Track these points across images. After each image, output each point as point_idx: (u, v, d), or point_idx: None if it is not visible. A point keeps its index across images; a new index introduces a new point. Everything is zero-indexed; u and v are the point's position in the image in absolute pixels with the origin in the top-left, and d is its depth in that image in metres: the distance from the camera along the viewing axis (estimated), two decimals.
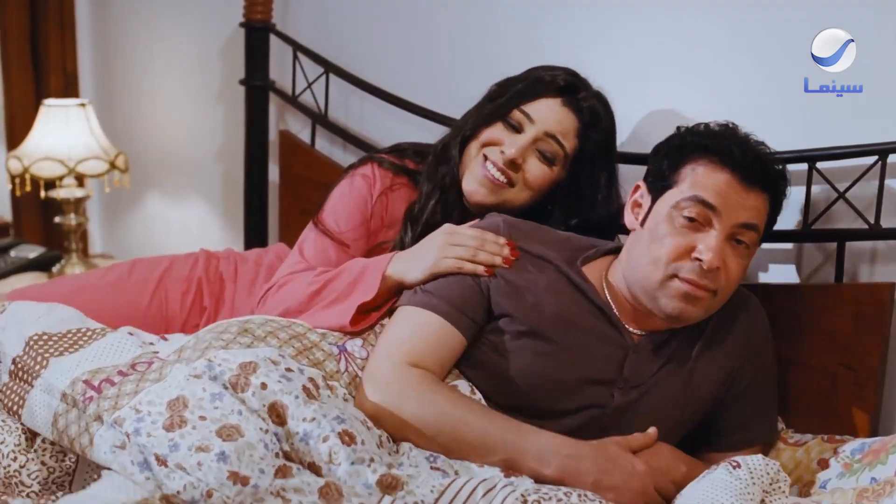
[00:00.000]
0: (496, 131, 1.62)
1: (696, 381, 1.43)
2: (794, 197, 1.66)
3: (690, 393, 1.43)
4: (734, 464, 1.20)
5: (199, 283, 1.89)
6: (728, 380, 1.45)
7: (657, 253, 1.36)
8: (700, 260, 1.33)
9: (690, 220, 1.35)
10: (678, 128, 1.46)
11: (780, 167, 1.41)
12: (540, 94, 1.61)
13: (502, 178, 1.61)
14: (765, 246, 1.70)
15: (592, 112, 1.62)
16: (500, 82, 1.69)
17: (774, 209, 1.42)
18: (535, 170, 1.61)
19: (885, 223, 1.55)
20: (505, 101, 1.63)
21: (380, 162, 1.73)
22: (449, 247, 1.46)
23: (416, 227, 1.65)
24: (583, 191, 1.65)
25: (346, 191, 1.71)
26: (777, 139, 1.62)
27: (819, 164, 1.59)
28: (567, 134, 1.61)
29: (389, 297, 1.51)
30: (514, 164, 1.60)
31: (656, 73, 1.84)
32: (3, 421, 1.32)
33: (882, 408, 1.56)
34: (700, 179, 1.36)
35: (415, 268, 1.47)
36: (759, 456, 1.23)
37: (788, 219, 1.67)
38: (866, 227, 1.56)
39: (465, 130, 1.67)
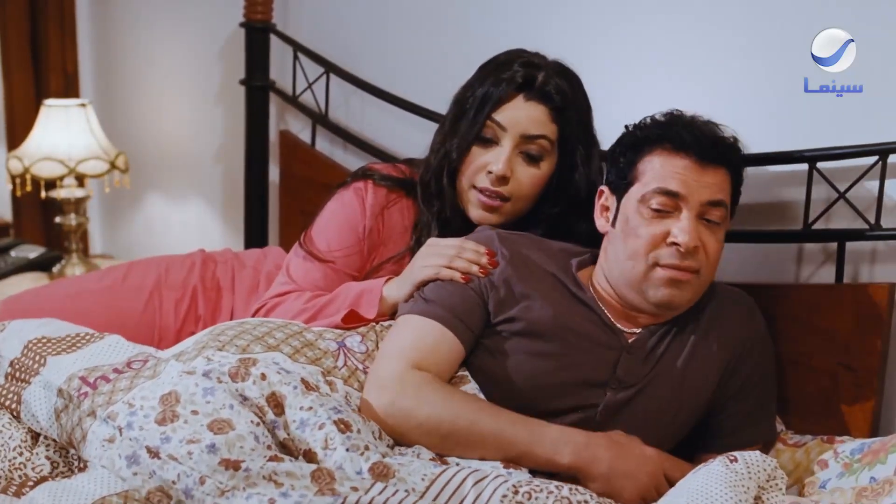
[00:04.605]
0: (477, 157, 1.60)
1: (691, 380, 1.43)
2: (795, 197, 1.66)
3: (685, 392, 1.43)
4: (731, 458, 1.20)
5: (193, 291, 1.87)
6: (722, 380, 1.45)
7: (634, 246, 1.39)
8: (677, 243, 1.36)
9: (658, 210, 1.39)
10: (626, 126, 1.49)
11: (732, 139, 1.44)
12: (502, 100, 1.58)
13: (497, 200, 1.60)
14: (765, 246, 1.71)
15: (559, 91, 1.59)
16: (457, 96, 1.66)
17: (736, 181, 1.45)
18: (524, 176, 1.60)
19: (885, 223, 1.55)
20: (471, 120, 1.60)
21: (373, 178, 1.71)
22: (427, 256, 1.50)
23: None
24: (568, 171, 1.62)
25: (336, 208, 1.70)
26: (777, 139, 1.63)
27: (819, 164, 1.59)
28: (543, 125, 1.59)
29: (387, 318, 1.53)
30: (504, 180, 1.59)
31: (656, 73, 1.84)
32: (10, 420, 1.36)
33: (882, 408, 1.56)
34: (659, 170, 1.40)
35: (403, 284, 1.52)
36: (757, 452, 1.23)
37: (789, 219, 1.68)
38: (866, 227, 1.56)
39: (449, 163, 1.63)
